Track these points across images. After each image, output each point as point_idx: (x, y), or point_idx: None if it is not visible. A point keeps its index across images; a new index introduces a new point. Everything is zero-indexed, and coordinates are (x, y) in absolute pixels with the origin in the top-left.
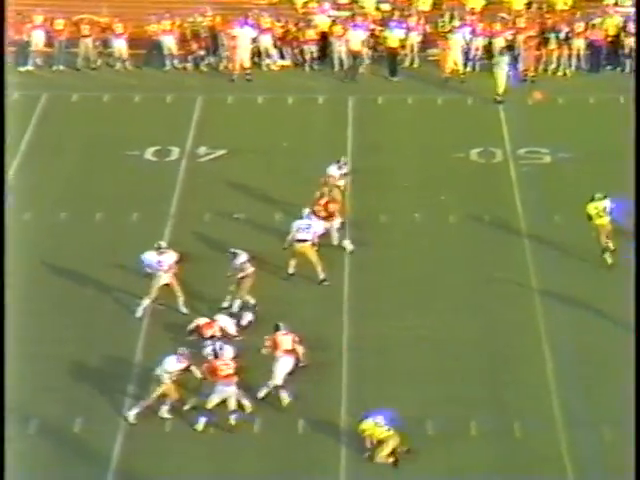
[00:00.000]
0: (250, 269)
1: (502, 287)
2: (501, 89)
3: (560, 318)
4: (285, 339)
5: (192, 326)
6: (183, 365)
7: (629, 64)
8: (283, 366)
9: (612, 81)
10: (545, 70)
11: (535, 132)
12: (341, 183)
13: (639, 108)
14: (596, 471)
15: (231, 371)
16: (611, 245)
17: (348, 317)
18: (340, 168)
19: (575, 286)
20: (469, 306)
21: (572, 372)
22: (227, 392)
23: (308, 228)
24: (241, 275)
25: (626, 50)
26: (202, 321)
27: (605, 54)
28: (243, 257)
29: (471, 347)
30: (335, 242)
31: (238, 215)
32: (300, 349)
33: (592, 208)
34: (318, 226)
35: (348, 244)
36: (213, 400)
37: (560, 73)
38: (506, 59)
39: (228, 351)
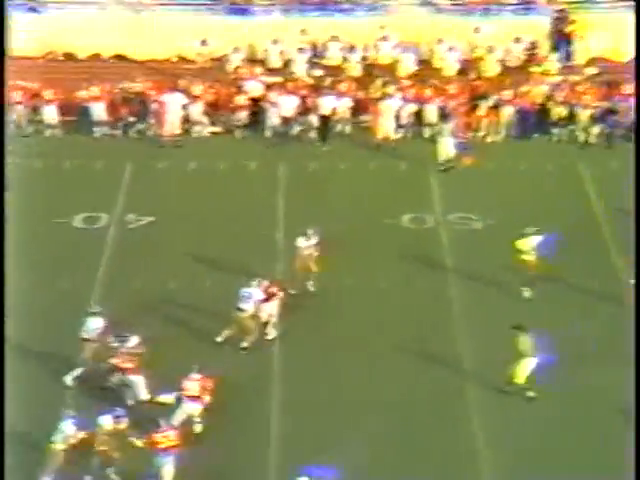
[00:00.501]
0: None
1: (430, 352)
2: (444, 157)
3: (489, 386)
4: (192, 384)
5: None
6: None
7: (557, 132)
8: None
9: (540, 148)
10: (474, 136)
11: (466, 198)
12: (309, 253)
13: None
14: None
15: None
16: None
17: (278, 382)
18: (308, 239)
19: (505, 352)
20: (398, 370)
21: (501, 437)
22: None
23: (249, 297)
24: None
25: (553, 118)
26: None
27: (533, 121)
28: (134, 340)
29: (397, 410)
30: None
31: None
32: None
33: (521, 244)
34: (259, 294)
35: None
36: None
37: (489, 139)
38: (449, 127)
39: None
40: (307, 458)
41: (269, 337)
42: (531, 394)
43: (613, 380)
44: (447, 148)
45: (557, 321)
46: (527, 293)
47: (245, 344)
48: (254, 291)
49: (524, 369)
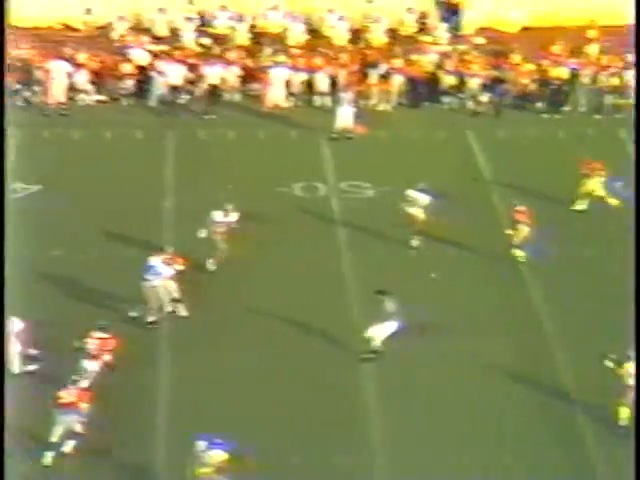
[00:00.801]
0: None
1: (322, 321)
2: (340, 126)
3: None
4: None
5: None
6: None
7: (448, 100)
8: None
9: (431, 117)
10: (365, 105)
11: (357, 166)
12: (223, 230)
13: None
14: None
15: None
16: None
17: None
18: (226, 215)
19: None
20: (288, 341)
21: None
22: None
23: (154, 269)
24: None
25: (443, 87)
26: None
27: (423, 90)
28: None
29: (285, 380)
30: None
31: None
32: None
33: (410, 196)
34: (165, 268)
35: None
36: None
37: (380, 108)
38: (348, 96)
39: None
40: (197, 428)
41: (179, 313)
42: (369, 355)
43: (499, 344)
44: (344, 117)
45: (444, 282)
46: (415, 242)
47: (151, 318)
48: (159, 263)
49: (383, 332)
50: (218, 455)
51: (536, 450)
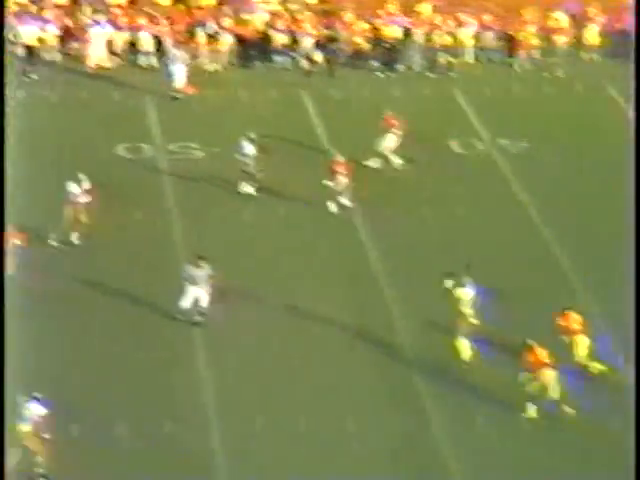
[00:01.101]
0: None
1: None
2: (178, 85)
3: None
4: None
5: None
6: None
7: (281, 60)
8: None
9: (263, 76)
10: (195, 64)
11: (186, 127)
12: (83, 200)
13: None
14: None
15: None
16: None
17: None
18: (81, 186)
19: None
20: (115, 322)
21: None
22: None
23: None
24: None
25: (275, 46)
26: None
27: (255, 50)
28: None
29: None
30: None
31: None
32: None
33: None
34: None
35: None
36: None
37: (210, 68)
38: (181, 55)
39: None
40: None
41: None
42: (198, 319)
43: (334, 302)
44: (178, 77)
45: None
46: (248, 189)
47: None
48: None
49: (204, 296)
50: (37, 409)
51: (374, 411)
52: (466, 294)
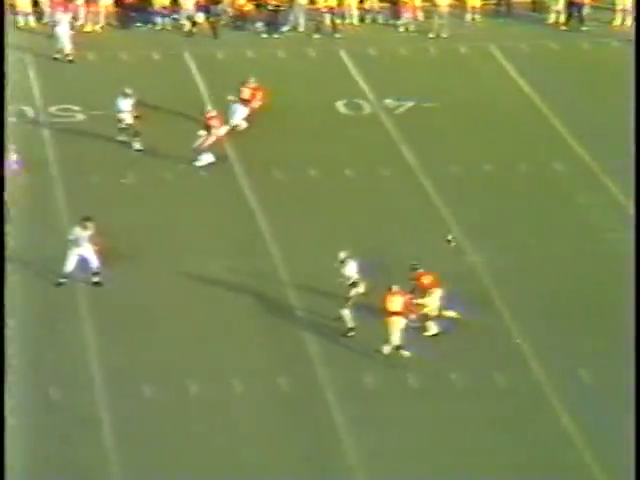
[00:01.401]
0: None
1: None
2: (63, 48)
3: None
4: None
5: None
6: None
7: (161, 21)
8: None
9: (144, 38)
10: (73, 26)
11: (67, 89)
12: None
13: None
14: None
15: None
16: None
17: None
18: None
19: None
20: None
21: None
22: None
23: None
24: None
25: (155, 7)
26: None
27: (135, 11)
28: None
29: None
30: None
31: None
32: None
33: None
34: None
35: None
36: None
37: (88, 29)
38: (65, 17)
39: None
40: None
41: None
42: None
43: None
44: (64, 39)
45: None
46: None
47: None
48: None
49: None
50: None
51: (264, 373)
52: (351, 268)
